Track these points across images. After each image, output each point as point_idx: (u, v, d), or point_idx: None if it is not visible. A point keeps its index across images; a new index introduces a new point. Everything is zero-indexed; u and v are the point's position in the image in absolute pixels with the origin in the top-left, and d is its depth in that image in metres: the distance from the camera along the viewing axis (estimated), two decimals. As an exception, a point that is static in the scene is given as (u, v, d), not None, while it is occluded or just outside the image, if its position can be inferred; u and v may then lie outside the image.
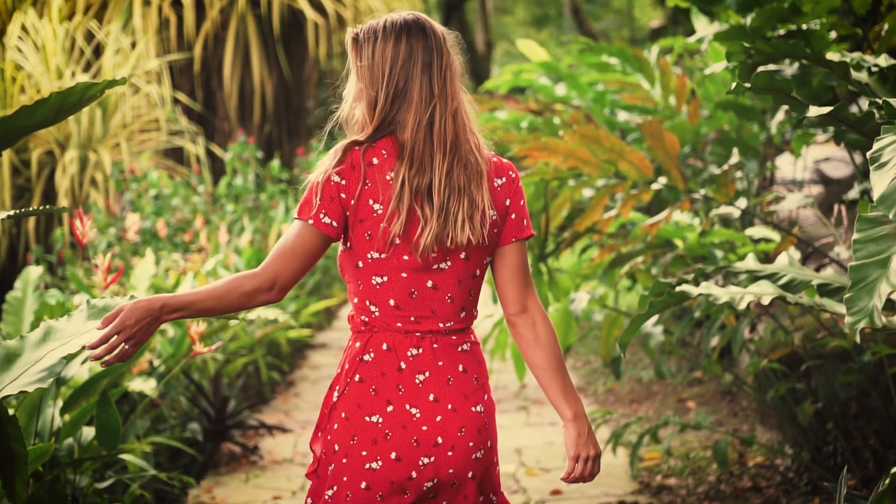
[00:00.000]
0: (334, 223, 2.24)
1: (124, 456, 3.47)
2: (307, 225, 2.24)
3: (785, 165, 6.49)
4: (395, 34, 2.28)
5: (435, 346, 2.30)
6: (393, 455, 2.26)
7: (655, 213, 5.98)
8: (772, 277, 2.90)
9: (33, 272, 4.42)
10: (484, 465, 2.33)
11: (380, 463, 2.26)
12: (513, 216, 2.33)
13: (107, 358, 2.17)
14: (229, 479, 5.06)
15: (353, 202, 2.24)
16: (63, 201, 8.34)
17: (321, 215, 2.23)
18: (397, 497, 2.27)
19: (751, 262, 3.01)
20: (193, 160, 9.56)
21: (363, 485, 2.26)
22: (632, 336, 2.77)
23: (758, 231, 4.52)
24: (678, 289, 2.71)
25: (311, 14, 10.70)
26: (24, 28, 9.23)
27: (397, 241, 2.25)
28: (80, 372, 3.78)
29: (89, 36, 10.22)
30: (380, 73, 2.27)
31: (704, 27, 6.79)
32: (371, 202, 2.24)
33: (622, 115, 7.02)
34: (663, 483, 4.71)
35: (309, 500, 2.36)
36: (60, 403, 3.42)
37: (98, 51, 10.26)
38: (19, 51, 8.89)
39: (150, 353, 4.83)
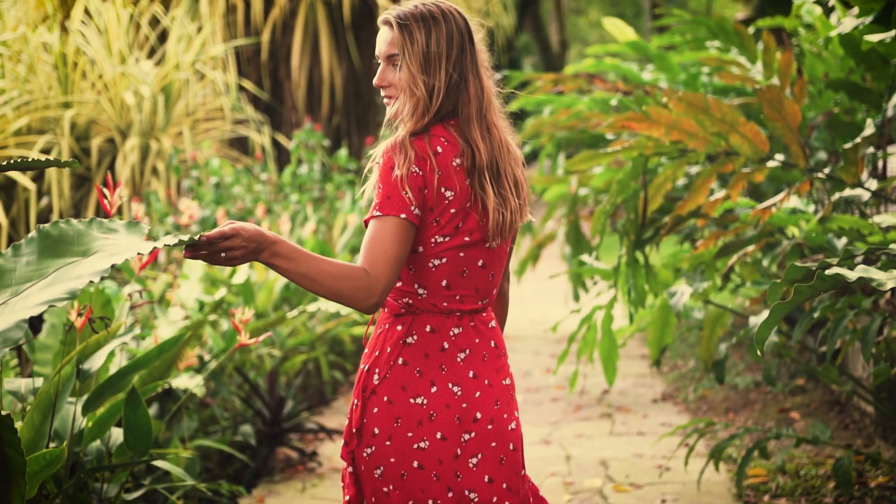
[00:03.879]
0: (420, 213, 2.25)
1: (158, 462, 3.01)
2: (401, 220, 2.21)
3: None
4: (445, 21, 2.29)
5: (472, 324, 2.35)
6: (438, 435, 2.29)
7: (758, 200, 5.39)
8: (940, 261, 2.35)
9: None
10: (519, 437, 2.37)
11: (427, 443, 2.29)
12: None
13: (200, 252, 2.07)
14: (284, 488, 4.60)
15: (426, 191, 2.24)
16: (123, 191, 7.98)
17: (412, 208, 2.22)
18: (450, 477, 2.27)
19: (910, 244, 2.45)
20: (258, 150, 9.16)
21: (415, 464, 2.28)
22: (771, 329, 2.25)
23: (887, 218, 3.94)
24: (829, 272, 2.17)
25: (383, 1, 10.26)
26: (87, 12, 8.93)
27: (461, 224, 2.27)
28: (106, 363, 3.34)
29: (154, 22, 9.93)
30: (436, 61, 2.27)
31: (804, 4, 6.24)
32: (444, 190, 2.26)
33: (715, 100, 6.45)
34: (772, 504, 4.15)
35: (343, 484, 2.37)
36: (84, 399, 2.96)
37: (163, 37, 9.96)
38: (82, 35, 8.58)
39: (199, 348, 4.41)
